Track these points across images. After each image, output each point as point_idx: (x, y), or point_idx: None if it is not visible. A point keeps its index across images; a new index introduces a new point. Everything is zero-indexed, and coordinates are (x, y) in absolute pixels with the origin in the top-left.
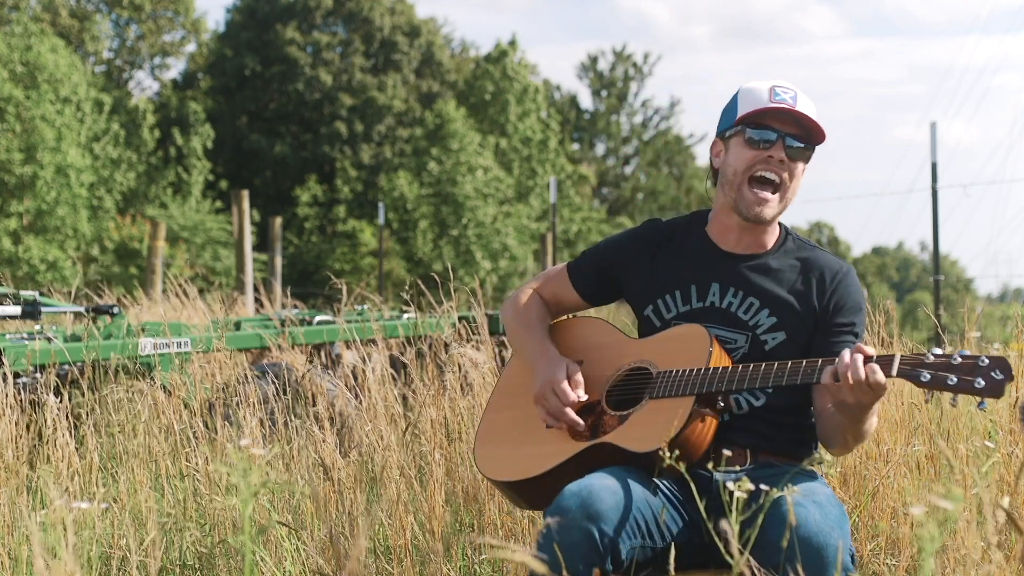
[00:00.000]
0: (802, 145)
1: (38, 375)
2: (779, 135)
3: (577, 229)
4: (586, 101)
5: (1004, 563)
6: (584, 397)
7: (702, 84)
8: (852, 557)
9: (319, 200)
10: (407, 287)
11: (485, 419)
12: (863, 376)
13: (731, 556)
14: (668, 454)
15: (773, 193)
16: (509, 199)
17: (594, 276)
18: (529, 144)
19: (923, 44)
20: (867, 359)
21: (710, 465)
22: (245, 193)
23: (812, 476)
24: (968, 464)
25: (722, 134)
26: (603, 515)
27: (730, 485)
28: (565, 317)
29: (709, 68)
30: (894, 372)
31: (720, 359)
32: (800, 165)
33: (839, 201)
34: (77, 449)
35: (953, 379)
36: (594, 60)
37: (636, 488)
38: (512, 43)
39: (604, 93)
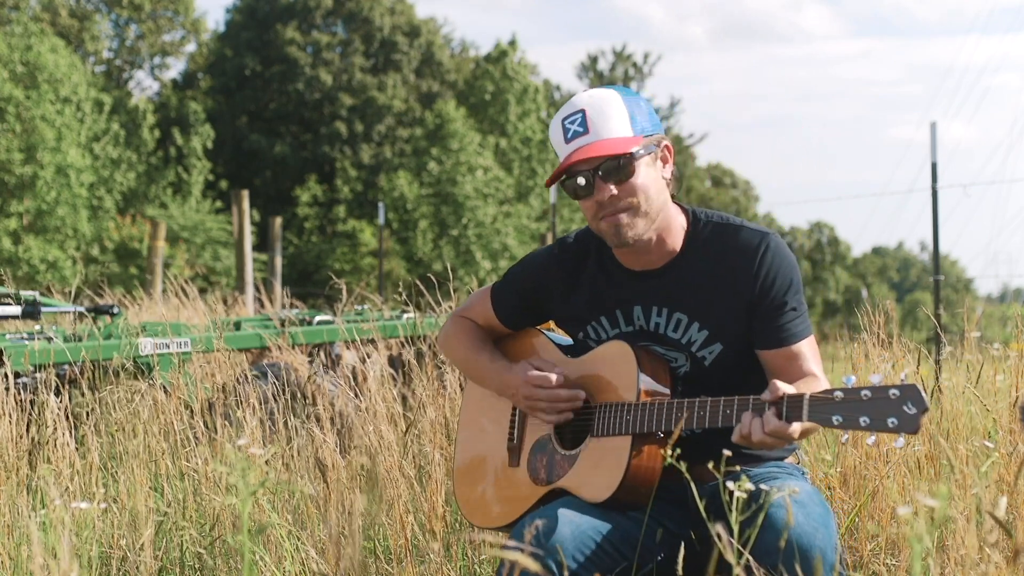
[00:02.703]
0: (615, 163)
1: (38, 375)
2: (591, 175)
3: (577, 229)
4: None
5: (1003, 564)
6: (558, 372)
7: (701, 84)
8: (840, 556)
9: (319, 200)
10: (399, 291)
11: (458, 454)
12: (761, 435)
13: (722, 563)
14: (667, 453)
15: (624, 212)
16: (509, 199)
17: (518, 307)
18: (529, 144)
19: (921, 44)
20: (777, 400)
21: (688, 477)
22: (245, 193)
23: (792, 473)
24: (968, 464)
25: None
26: (559, 548)
27: (731, 485)
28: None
29: (708, 68)
30: (804, 417)
31: (653, 374)
32: (633, 179)
33: (839, 201)
34: (77, 449)
35: (866, 419)
36: (594, 60)
37: (593, 512)
38: (512, 43)
39: None
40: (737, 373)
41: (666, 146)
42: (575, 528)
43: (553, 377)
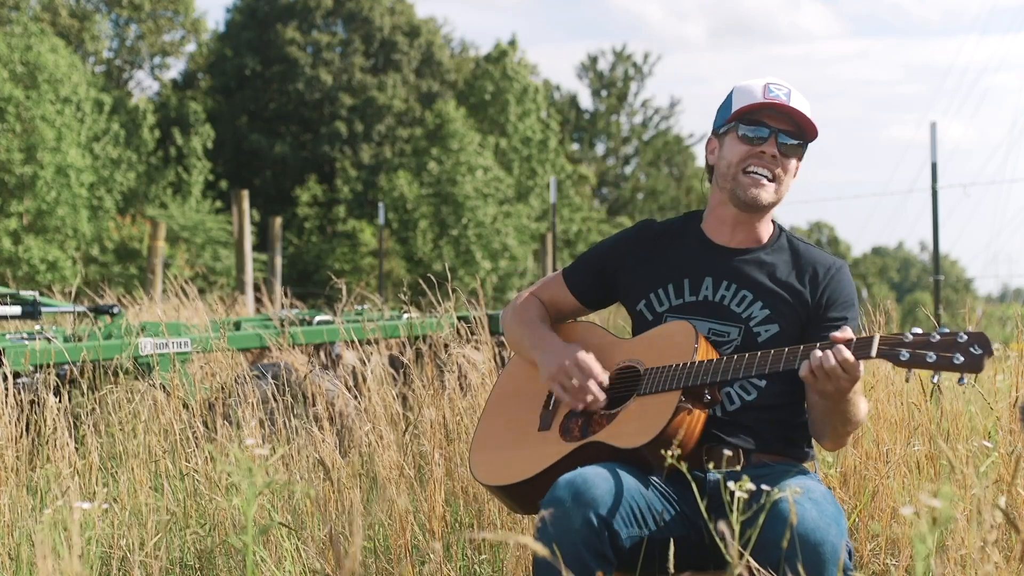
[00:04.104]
0: (795, 141)
1: (38, 375)
2: (772, 131)
3: (577, 229)
4: (586, 101)
5: (1003, 563)
6: (606, 377)
7: (700, 84)
8: (850, 554)
9: (319, 200)
10: (404, 289)
11: (481, 425)
12: (833, 362)
13: (730, 556)
14: (664, 451)
15: (769, 181)
16: (509, 199)
17: (589, 278)
18: (529, 144)
19: (920, 44)
20: (847, 342)
21: (711, 465)
22: (245, 193)
23: (807, 474)
24: (968, 464)
25: (717, 131)
26: (598, 501)
27: (731, 485)
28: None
29: (707, 68)
30: (873, 353)
31: (707, 353)
32: (793, 161)
33: (839, 201)
34: (77, 449)
35: (932, 356)
36: (594, 60)
37: (628, 478)
38: (512, 43)
39: (604, 93)
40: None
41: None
42: (610, 486)
43: (598, 369)
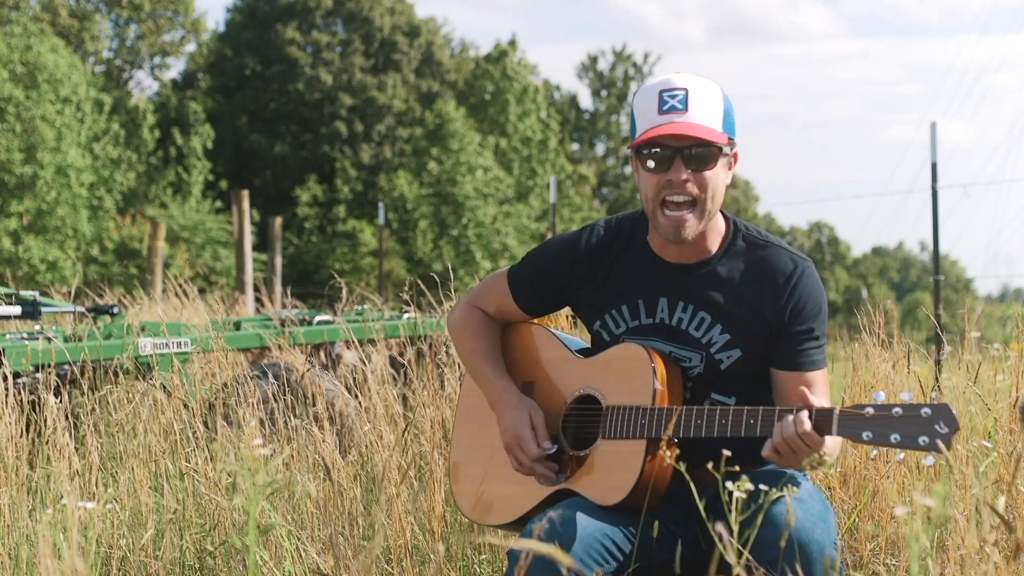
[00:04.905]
0: (703, 149)
1: (38, 375)
2: (674, 152)
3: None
4: (586, 101)
5: (1003, 563)
6: (549, 448)
7: None
8: (840, 551)
9: (319, 200)
10: (406, 289)
11: (454, 451)
12: (792, 432)
13: (724, 563)
14: (642, 499)
15: (690, 211)
16: (509, 199)
17: (536, 291)
18: (529, 144)
19: (920, 43)
20: (808, 411)
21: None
22: (245, 193)
23: (792, 474)
24: (967, 464)
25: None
26: (569, 548)
27: (729, 486)
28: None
29: (707, 68)
30: (834, 431)
31: (666, 378)
32: (710, 172)
33: (839, 201)
34: (77, 449)
35: (896, 436)
36: (594, 60)
37: (600, 514)
38: (512, 43)
39: (604, 93)
40: (749, 383)
41: (735, 153)
42: (583, 531)
43: (537, 452)
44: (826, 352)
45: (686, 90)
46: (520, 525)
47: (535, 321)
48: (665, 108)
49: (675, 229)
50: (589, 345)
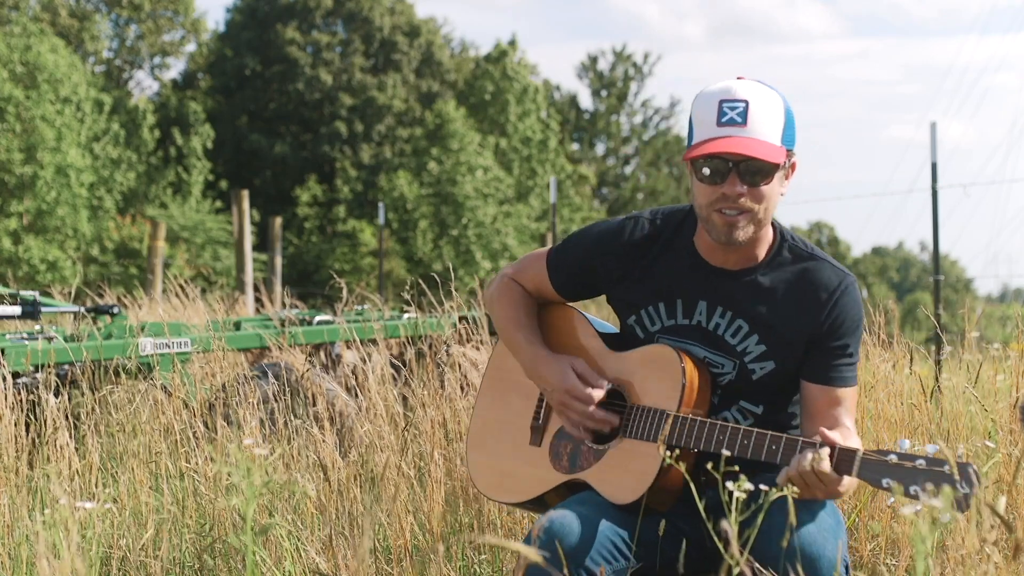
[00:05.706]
0: (760, 164)
1: (38, 375)
2: (731, 167)
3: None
4: (586, 101)
5: (1003, 563)
6: (602, 387)
7: (700, 84)
8: (847, 567)
9: (319, 200)
10: (407, 288)
11: (475, 418)
12: (808, 467)
13: (731, 557)
14: (668, 455)
15: (744, 217)
16: (509, 199)
17: (574, 277)
18: (529, 144)
19: (919, 44)
20: (831, 450)
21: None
22: (245, 193)
23: None
24: None
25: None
26: (574, 549)
27: (730, 485)
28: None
29: (707, 68)
30: (854, 473)
31: (695, 383)
32: (765, 187)
33: (839, 201)
34: (77, 449)
35: (915, 489)
36: (594, 60)
37: (610, 511)
38: (512, 43)
39: (604, 93)
40: (780, 395)
41: (793, 163)
42: (592, 528)
43: (596, 395)
44: (857, 372)
45: (746, 102)
46: (530, 507)
47: (571, 305)
48: (724, 120)
49: (728, 229)
50: (619, 331)
